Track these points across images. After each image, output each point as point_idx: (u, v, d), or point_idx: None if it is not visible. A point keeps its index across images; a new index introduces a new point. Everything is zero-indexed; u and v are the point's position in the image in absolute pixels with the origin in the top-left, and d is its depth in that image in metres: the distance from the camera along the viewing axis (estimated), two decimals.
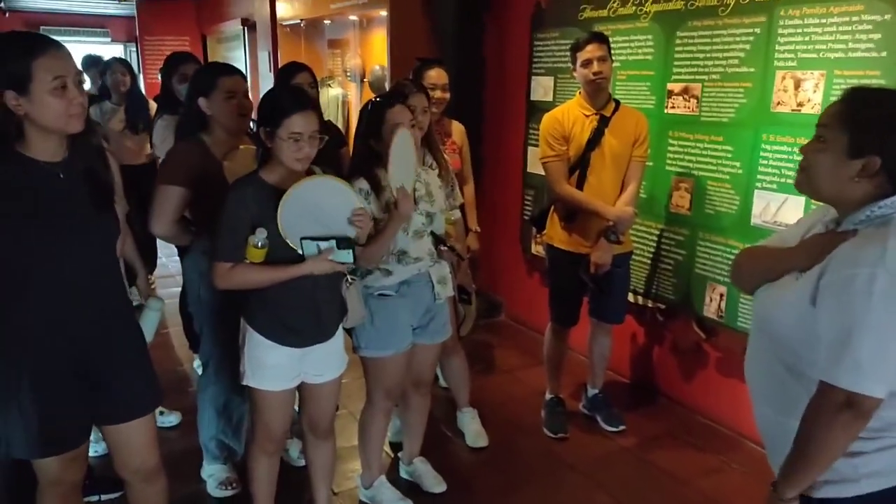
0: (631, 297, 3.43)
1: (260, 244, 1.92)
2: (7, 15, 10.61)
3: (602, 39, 2.81)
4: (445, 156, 2.83)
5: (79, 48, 11.71)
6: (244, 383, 2.11)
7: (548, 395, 3.28)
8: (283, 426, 2.21)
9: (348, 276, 2.20)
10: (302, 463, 2.69)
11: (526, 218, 4.29)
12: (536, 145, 4.05)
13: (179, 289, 3.45)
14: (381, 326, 2.31)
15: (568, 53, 3.72)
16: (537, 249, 4.22)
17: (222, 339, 2.49)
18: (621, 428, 3.17)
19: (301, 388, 2.20)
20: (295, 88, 2.11)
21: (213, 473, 2.70)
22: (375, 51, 5.80)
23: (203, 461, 2.73)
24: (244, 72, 7.91)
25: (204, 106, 2.39)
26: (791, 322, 1.34)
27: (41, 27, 11.41)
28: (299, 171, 1.99)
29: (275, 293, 2.00)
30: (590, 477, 2.85)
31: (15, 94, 1.56)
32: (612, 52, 2.88)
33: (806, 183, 1.38)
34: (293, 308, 2.04)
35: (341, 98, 6.21)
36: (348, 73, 6.17)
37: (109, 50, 11.82)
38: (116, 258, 1.91)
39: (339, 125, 6.15)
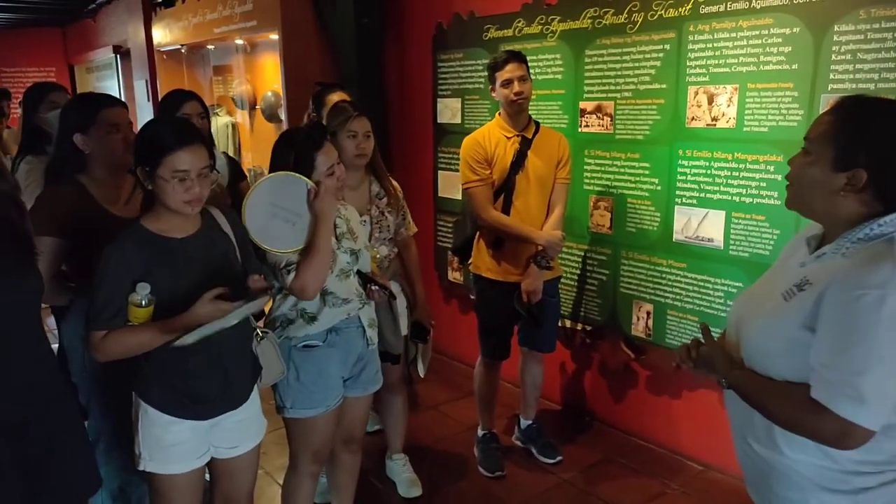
0: (559, 321, 3.33)
1: (144, 302, 1.64)
2: None
3: (521, 59, 2.71)
4: (394, 181, 2.63)
5: None
6: (141, 468, 1.79)
7: (480, 432, 3.11)
8: None
9: (258, 329, 1.93)
10: None
11: (440, 244, 4.13)
12: (447, 169, 3.95)
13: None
14: (307, 382, 2.05)
15: (473, 74, 3.70)
16: (454, 276, 4.07)
17: (113, 413, 2.15)
18: (558, 459, 3.04)
19: (211, 463, 1.90)
20: (178, 120, 1.85)
21: None
22: (265, 76, 5.51)
23: None
24: (121, 98, 7.39)
25: (81, 143, 2.07)
26: (781, 349, 1.25)
27: None
28: (189, 215, 1.72)
29: (172, 358, 1.70)
30: None
31: None
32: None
33: (796, 199, 1.30)
34: (196, 374, 1.75)
35: (231, 126, 5.85)
36: (235, 100, 5.82)
37: None
38: (39, 319, 1.61)
39: (231, 153, 5.80)
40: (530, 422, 3.14)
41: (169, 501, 1.82)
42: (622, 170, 3.05)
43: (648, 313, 3.03)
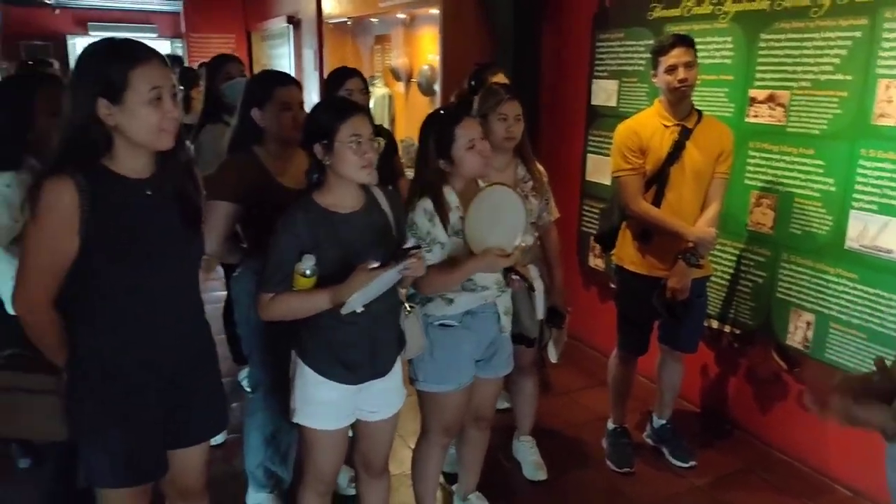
0: (705, 321, 3.18)
1: (308, 272, 1.77)
2: (57, 11, 10.74)
3: (689, 43, 2.56)
4: (539, 166, 2.63)
5: None
6: (294, 420, 1.96)
7: (611, 425, 3.06)
8: (335, 466, 2.04)
9: (407, 304, 2.03)
10: (352, 492, 2.53)
11: (584, 229, 4.06)
12: (597, 153, 3.86)
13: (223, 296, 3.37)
14: (441, 359, 2.12)
15: (633, 55, 3.56)
16: (596, 263, 3.99)
17: (272, 366, 2.35)
18: (691, 463, 2.93)
19: (355, 424, 2.03)
20: (341, 98, 1.97)
21: (259, 502, 2.57)
22: (423, 49, 5.62)
23: (248, 488, 2.60)
24: (289, 70, 7.89)
25: (257, 118, 2.25)
26: None
27: (89, 23, 11.57)
28: (357, 189, 1.85)
29: (328, 326, 1.84)
30: None
31: (108, 102, 1.47)
32: None
33: None
34: (348, 343, 1.87)
35: (388, 97, 6.05)
36: (393, 72, 6.01)
37: (156, 46, 11.92)
38: (198, 279, 1.80)
39: (386, 124, 6.02)
40: (664, 421, 3.04)
41: (316, 452, 1.98)
42: (792, 166, 2.82)
43: (808, 323, 2.81)
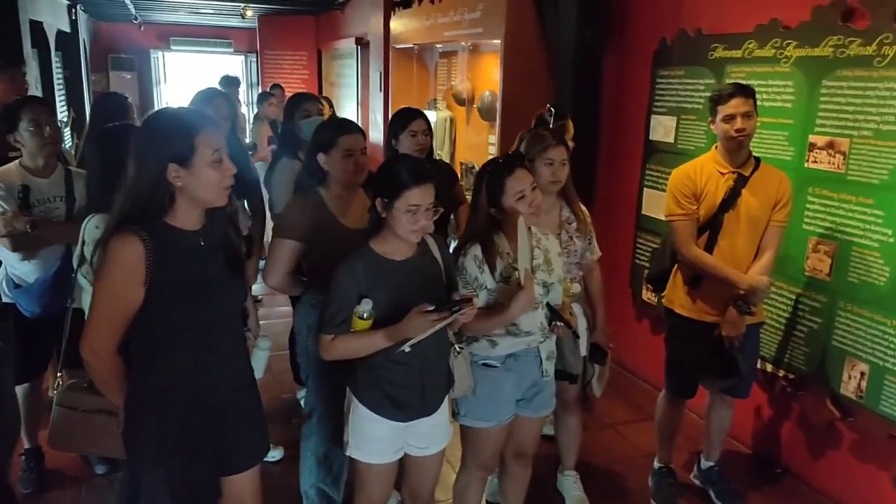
0: (758, 364, 3.16)
1: (365, 315, 1.90)
2: (142, 28, 11.35)
3: (749, 93, 2.56)
4: (583, 207, 2.71)
5: (204, 58, 12.46)
6: (347, 454, 2.09)
7: (657, 464, 3.07)
8: (384, 496, 2.16)
9: (456, 345, 2.13)
10: None
11: (637, 262, 4.07)
12: (653, 187, 3.88)
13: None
14: (482, 397, 2.21)
15: (693, 93, 3.57)
16: (648, 297, 4.00)
17: (326, 395, 2.49)
18: None
19: (403, 458, 2.14)
20: (414, 161, 2.08)
21: None
22: (486, 75, 5.73)
23: None
24: (355, 90, 8.10)
25: (322, 162, 2.40)
26: None
27: (171, 38, 12.19)
28: (412, 242, 1.96)
29: (381, 367, 1.96)
30: None
31: (177, 166, 1.62)
32: None
33: None
34: (399, 383, 1.99)
35: (449, 120, 6.19)
36: (455, 96, 6.14)
37: (231, 61, 12.46)
38: (241, 316, 1.96)
39: (446, 147, 6.15)
40: (712, 463, 3.04)
41: (366, 483, 2.10)
42: (851, 214, 2.79)
43: (863, 373, 2.77)
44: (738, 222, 2.64)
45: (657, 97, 3.83)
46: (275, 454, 3.21)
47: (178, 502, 1.75)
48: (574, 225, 2.61)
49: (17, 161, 2.67)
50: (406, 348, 1.89)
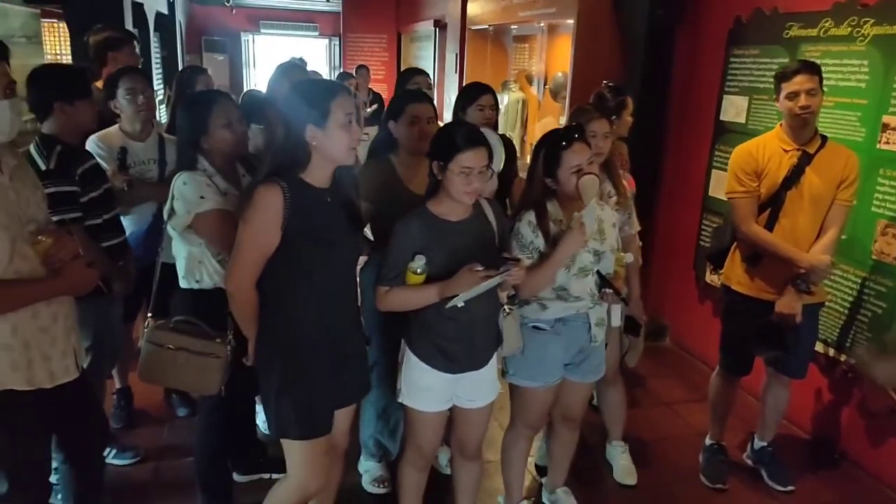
0: (820, 347, 3.13)
1: (419, 270, 2.03)
2: (234, 11, 11.89)
3: (814, 70, 2.53)
4: (624, 181, 2.76)
5: (290, 41, 12.91)
6: (399, 401, 2.24)
7: (708, 441, 3.09)
8: (433, 444, 2.30)
9: (507, 306, 2.23)
10: (449, 471, 2.78)
11: (702, 244, 4.05)
12: (721, 168, 3.84)
13: None
14: (531, 358, 2.31)
15: (766, 73, 3.51)
16: (711, 279, 3.97)
17: (388, 350, 2.64)
18: (789, 488, 2.91)
19: (453, 409, 2.28)
20: (468, 126, 2.18)
21: (368, 469, 2.89)
22: (559, 56, 5.76)
23: (361, 455, 2.92)
24: (432, 71, 8.25)
25: (392, 129, 2.54)
26: None
27: (260, 21, 12.70)
28: (466, 204, 2.07)
29: (433, 321, 2.09)
30: None
31: (314, 127, 1.83)
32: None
33: None
34: (450, 337, 2.11)
35: (521, 101, 6.24)
36: (528, 77, 6.19)
37: (316, 44, 12.87)
38: (356, 267, 2.18)
39: (517, 129, 6.22)
40: (765, 444, 3.03)
41: (417, 430, 2.26)
42: None
43: None
44: (800, 200, 2.62)
45: (730, 77, 3.77)
46: None
47: (303, 427, 1.99)
48: (614, 199, 2.65)
49: (117, 125, 2.95)
50: (459, 303, 2.01)
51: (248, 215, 1.86)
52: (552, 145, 2.23)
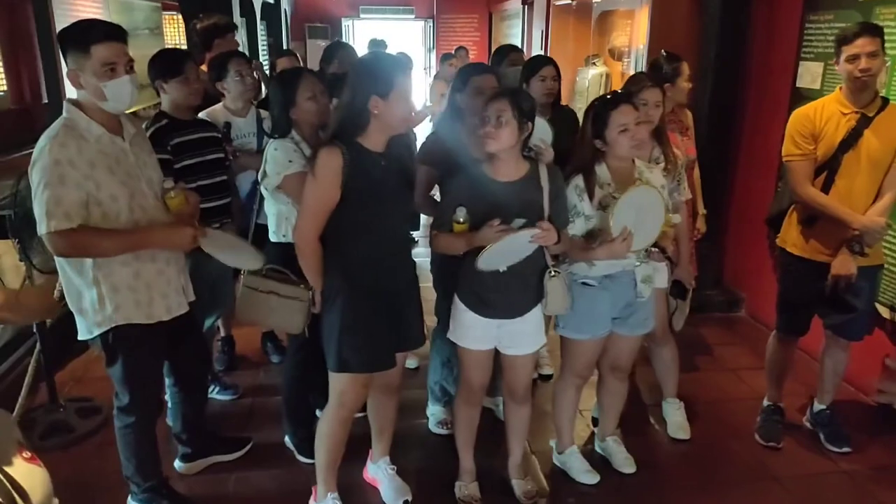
0: (886, 314, 3.10)
1: (461, 219, 2.25)
2: None
3: (875, 32, 2.53)
4: (677, 149, 2.86)
5: (388, 25, 13.33)
6: (448, 336, 2.49)
7: (766, 402, 3.15)
8: (479, 380, 2.50)
9: (552, 268, 2.36)
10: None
11: None
12: None
13: None
14: (579, 312, 2.47)
15: None
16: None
17: (448, 299, 2.90)
18: (846, 449, 2.93)
19: (500, 356, 2.49)
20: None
21: (434, 413, 3.17)
22: (641, 30, 5.75)
23: (428, 400, 3.21)
24: (521, 48, 8.38)
25: (459, 101, 2.78)
26: None
27: (360, 6, 13.17)
28: (519, 163, 2.30)
29: (475, 271, 2.26)
30: (794, 494, 2.73)
31: (378, 98, 2.08)
32: (891, 39, 2.60)
33: None
34: (488, 286, 2.32)
35: (604, 76, 6.28)
36: (611, 52, 6.22)
37: (412, 27, 13.22)
38: (409, 226, 2.49)
39: None
40: (823, 407, 3.05)
41: (465, 366, 2.50)
42: None
43: None
44: (858, 163, 2.64)
45: (805, 43, 3.73)
46: (413, 362, 3.71)
47: (367, 364, 2.29)
48: (662, 165, 2.74)
49: (221, 103, 3.36)
50: (502, 268, 2.25)
51: (313, 173, 2.13)
52: (600, 107, 2.38)
